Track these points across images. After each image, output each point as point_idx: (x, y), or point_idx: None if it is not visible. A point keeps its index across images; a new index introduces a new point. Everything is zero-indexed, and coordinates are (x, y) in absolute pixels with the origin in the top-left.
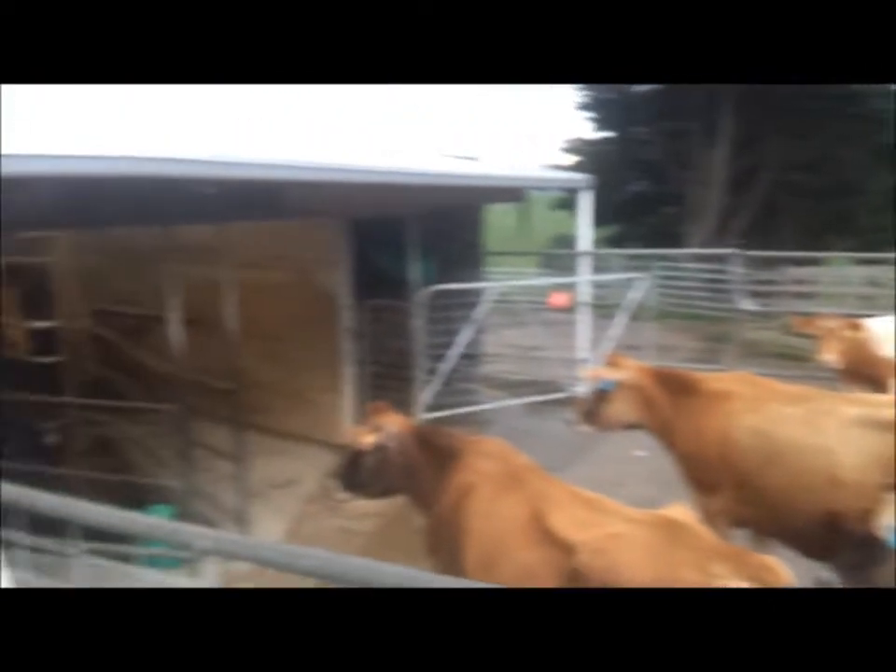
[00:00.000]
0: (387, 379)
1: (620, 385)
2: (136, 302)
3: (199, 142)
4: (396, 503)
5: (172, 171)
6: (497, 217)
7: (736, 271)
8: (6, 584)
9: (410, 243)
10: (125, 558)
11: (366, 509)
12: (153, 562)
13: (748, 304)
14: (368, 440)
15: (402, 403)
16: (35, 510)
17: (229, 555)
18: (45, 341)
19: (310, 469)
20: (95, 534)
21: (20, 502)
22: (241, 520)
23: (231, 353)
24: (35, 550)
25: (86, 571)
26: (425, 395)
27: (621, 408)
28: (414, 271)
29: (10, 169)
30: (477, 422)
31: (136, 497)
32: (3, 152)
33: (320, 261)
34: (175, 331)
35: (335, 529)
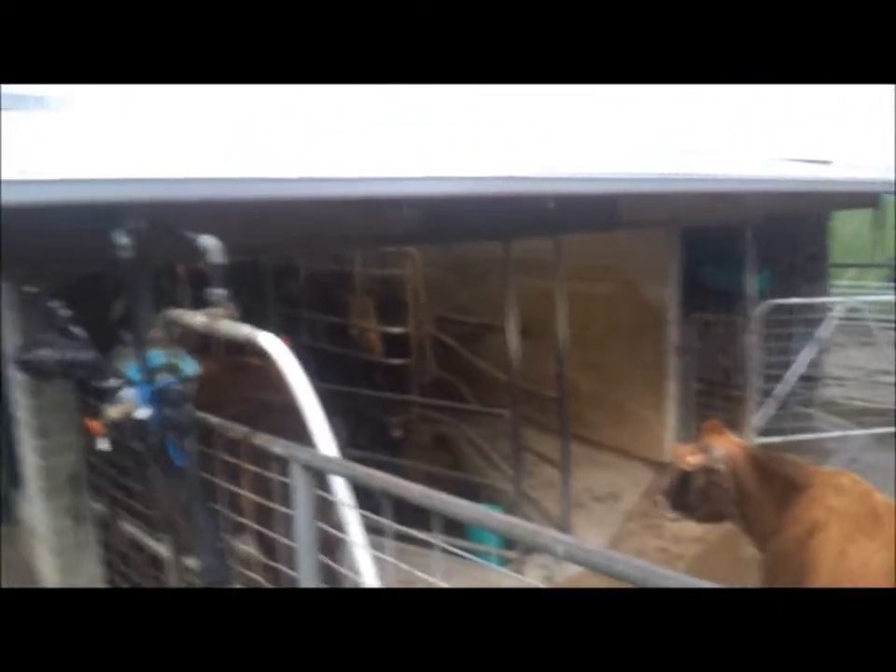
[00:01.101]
0: (715, 398)
1: None
2: (474, 311)
3: (535, 159)
4: (719, 529)
5: (516, 189)
6: (841, 225)
7: None
8: (369, 569)
9: (744, 253)
10: (471, 553)
11: (688, 532)
12: (486, 559)
13: None
14: (695, 460)
15: (731, 425)
16: (401, 499)
17: (581, 563)
18: (395, 344)
19: (631, 484)
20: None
21: (388, 490)
22: (564, 529)
23: (559, 363)
24: (399, 538)
25: (442, 564)
26: (757, 417)
27: None
28: (749, 283)
29: (377, 191)
30: (816, 451)
31: (468, 495)
32: (376, 176)
33: (648, 273)
34: (509, 340)
35: (655, 550)
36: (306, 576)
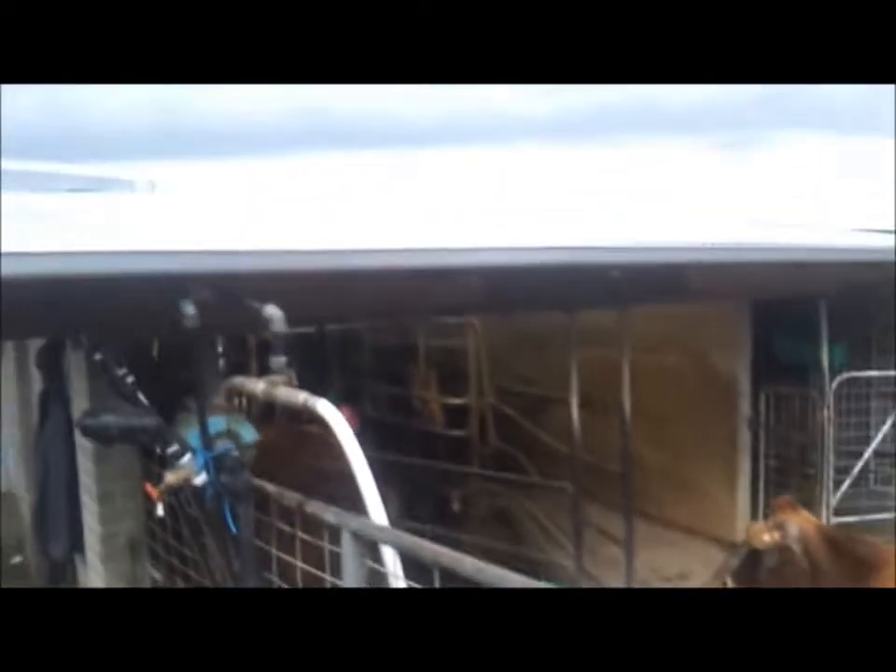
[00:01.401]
0: (788, 475)
1: None
2: (537, 383)
3: (601, 227)
4: None
5: (581, 259)
6: None
7: None
8: None
9: (819, 325)
10: None
11: None
12: None
13: None
14: (768, 538)
15: (806, 503)
16: (460, 574)
17: None
18: (456, 416)
19: (699, 565)
20: None
21: (438, 563)
22: None
23: (623, 437)
24: None
25: None
26: (832, 496)
27: None
28: (823, 356)
29: (441, 262)
30: (893, 531)
31: (528, 571)
32: (438, 247)
33: (716, 345)
34: (571, 412)
35: None
36: None
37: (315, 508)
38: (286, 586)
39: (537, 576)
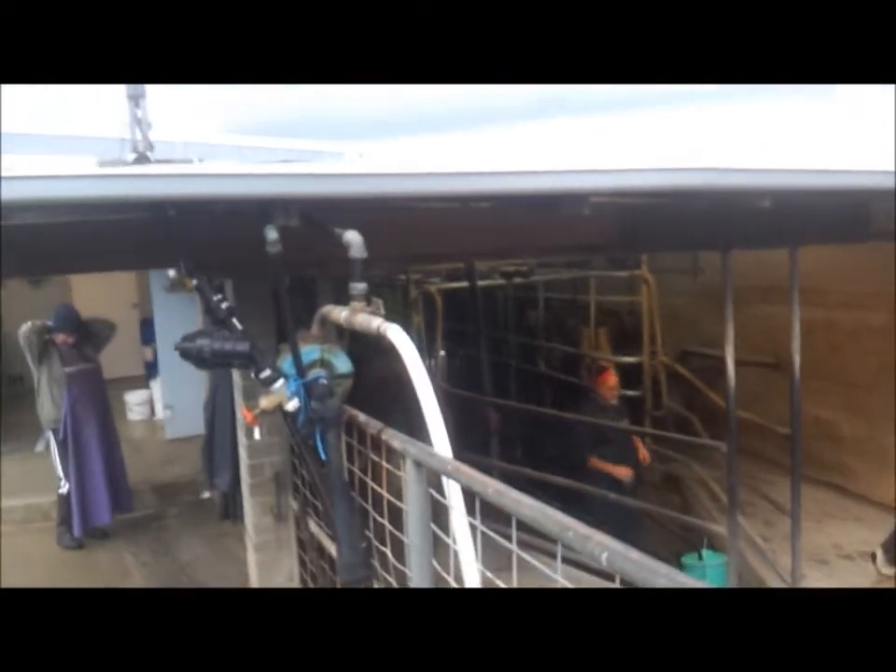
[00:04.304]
0: None
1: None
2: (720, 345)
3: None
4: None
5: (721, 182)
6: None
7: None
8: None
9: None
10: None
11: None
12: None
13: None
14: None
15: None
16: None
17: (623, 574)
18: (629, 375)
19: None
20: None
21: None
22: (794, 585)
23: (797, 399)
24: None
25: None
26: None
27: None
28: None
29: (562, 186)
30: None
31: (694, 540)
32: (557, 168)
33: None
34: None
35: None
36: (418, 576)
37: (388, 435)
38: (373, 512)
39: (701, 544)
